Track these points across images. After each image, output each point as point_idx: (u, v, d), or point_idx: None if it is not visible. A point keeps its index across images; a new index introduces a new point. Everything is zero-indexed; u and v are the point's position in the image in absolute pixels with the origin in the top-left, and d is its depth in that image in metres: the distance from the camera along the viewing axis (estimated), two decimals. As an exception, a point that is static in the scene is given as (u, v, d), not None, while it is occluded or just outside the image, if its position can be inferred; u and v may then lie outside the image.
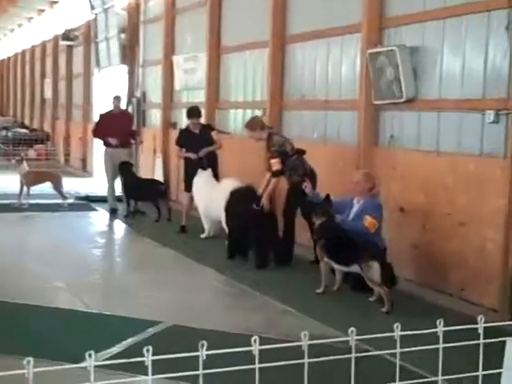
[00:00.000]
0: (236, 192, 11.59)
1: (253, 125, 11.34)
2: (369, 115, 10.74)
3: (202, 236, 12.94)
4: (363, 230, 8.91)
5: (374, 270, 8.38)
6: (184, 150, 13.62)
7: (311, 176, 10.63)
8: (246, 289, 9.42)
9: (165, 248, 12.40)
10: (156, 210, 15.14)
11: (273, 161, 10.71)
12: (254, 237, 10.61)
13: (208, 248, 12.18)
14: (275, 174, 10.69)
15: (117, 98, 16.67)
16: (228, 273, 10.17)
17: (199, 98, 16.80)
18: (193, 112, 13.50)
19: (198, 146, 13.25)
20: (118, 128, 15.96)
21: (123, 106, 18.83)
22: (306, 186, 9.68)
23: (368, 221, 8.97)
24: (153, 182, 16.04)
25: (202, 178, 13.02)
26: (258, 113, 13.91)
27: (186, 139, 13.53)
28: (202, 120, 14.55)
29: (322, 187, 10.34)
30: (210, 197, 12.59)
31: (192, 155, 13.34)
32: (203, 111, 15.29)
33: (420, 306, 8.73)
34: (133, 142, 16.84)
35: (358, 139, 11.05)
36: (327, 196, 9.42)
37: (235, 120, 15.60)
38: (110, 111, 16.61)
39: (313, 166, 11.04)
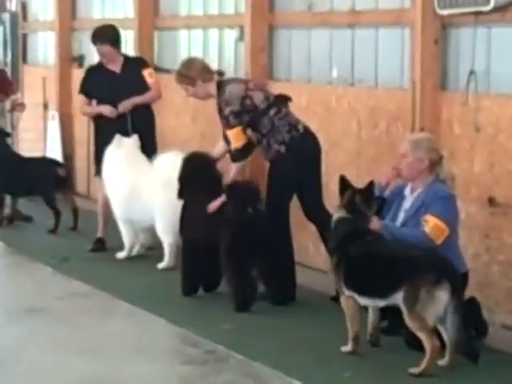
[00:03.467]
0: (194, 166, 9.15)
1: (181, 74, 8.92)
2: (430, 35, 8.85)
3: (120, 256, 10.34)
4: (423, 240, 7.30)
5: (438, 303, 6.70)
6: (94, 102, 10.75)
7: (305, 143, 8.79)
8: (223, 353, 7.65)
9: (73, 281, 9.72)
10: (51, 211, 12.30)
11: (229, 132, 8.74)
12: (228, 254, 8.55)
13: (150, 278, 9.95)
14: (235, 157, 8.76)
15: None
16: (188, 325, 8.25)
17: (124, 10, 14.39)
18: (101, 33, 10.62)
19: (118, 94, 10.36)
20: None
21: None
22: None
23: (431, 224, 7.19)
24: (44, 164, 13.05)
25: (121, 151, 10.23)
26: (231, 33, 11.63)
27: (97, 83, 10.61)
28: (128, 49, 12.07)
29: (342, 171, 8.61)
30: (133, 184, 10.17)
31: (107, 110, 10.43)
32: (132, 34, 12.92)
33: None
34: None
35: (411, 79, 9.18)
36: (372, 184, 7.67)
37: (189, 49, 13.10)
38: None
39: (324, 128, 9.34)
